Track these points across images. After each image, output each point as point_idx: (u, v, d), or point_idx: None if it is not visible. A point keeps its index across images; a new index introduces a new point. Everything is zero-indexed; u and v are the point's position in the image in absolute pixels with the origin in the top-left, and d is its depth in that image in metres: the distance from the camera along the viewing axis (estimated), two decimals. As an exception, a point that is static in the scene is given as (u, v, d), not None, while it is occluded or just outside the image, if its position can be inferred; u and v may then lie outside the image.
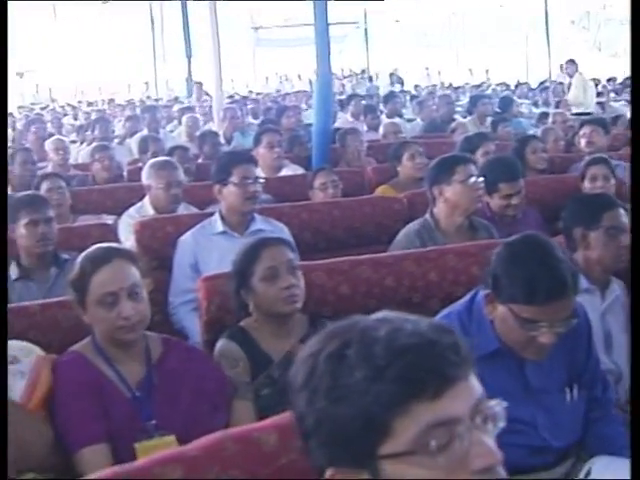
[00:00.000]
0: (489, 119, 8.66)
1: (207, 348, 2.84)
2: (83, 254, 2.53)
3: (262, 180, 4.07)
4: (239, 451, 1.45)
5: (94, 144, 7.09)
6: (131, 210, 4.73)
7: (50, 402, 2.42)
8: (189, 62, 19.80)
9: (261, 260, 2.73)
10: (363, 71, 24.94)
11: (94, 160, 6.15)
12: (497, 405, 1.22)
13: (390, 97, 11.04)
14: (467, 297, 2.52)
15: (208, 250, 3.87)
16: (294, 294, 2.71)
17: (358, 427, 1.15)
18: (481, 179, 3.88)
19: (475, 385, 1.21)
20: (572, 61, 12.63)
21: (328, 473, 1.19)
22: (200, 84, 18.50)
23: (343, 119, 9.58)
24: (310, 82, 21.83)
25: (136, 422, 2.42)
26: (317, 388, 1.18)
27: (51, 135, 8.33)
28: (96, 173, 6.07)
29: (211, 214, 4.08)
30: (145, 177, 4.65)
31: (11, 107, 17.76)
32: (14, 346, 2.49)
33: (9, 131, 12.82)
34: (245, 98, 16.06)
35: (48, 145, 6.85)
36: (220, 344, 2.74)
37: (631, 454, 1.13)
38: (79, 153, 8.39)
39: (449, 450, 1.14)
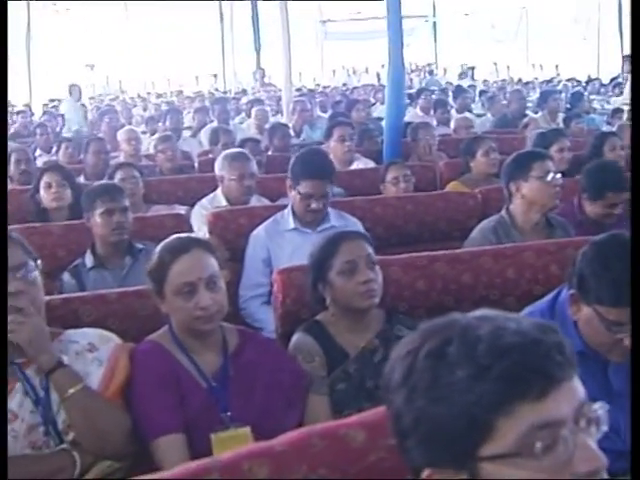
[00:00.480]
0: (560, 115, 8.51)
1: (282, 341, 2.83)
2: (162, 244, 2.53)
3: None
4: (326, 448, 1.42)
5: (158, 135, 7.13)
6: (204, 201, 4.74)
7: (127, 390, 2.43)
8: (258, 55, 19.87)
9: (339, 254, 2.70)
10: (430, 65, 24.76)
11: (158, 151, 6.19)
12: (600, 408, 1.18)
13: (460, 92, 10.92)
14: (550, 296, 2.46)
15: (280, 245, 3.86)
16: (372, 289, 2.67)
17: (459, 427, 1.11)
18: (559, 176, 3.80)
19: (578, 387, 1.17)
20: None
21: (425, 473, 1.16)
22: (263, 70, 18.55)
23: (412, 113, 9.51)
24: (378, 76, 21.76)
25: (212, 413, 2.42)
26: (416, 386, 1.15)
27: (122, 126, 8.42)
28: (160, 163, 6.11)
29: (284, 207, 4.06)
30: (218, 168, 4.66)
31: (83, 98, 18.06)
32: (91, 334, 2.51)
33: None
34: (312, 91, 16.04)
35: (120, 135, 6.92)
36: (296, 338, 2.72)
37: (631, 453, 1.10)
38: (150, 144, 8.47)
39: (553, 452, 1.10)
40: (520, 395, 1.10)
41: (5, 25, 3.71)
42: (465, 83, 17.56)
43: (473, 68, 22.89)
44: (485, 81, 20.28)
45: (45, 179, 4.51)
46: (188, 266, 2.42)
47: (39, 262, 2.46)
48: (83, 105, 13.73)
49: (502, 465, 1.11)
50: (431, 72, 23.05)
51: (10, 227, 3.79)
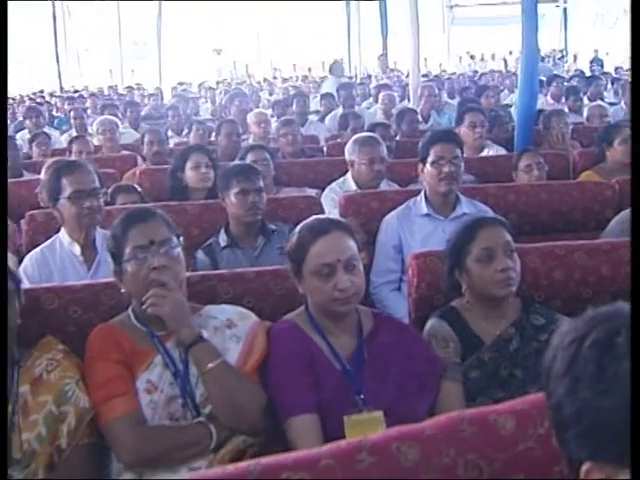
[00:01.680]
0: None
1: (414, 326, 2.81)
2: (301, 224, 2.54)
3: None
4: (476, 433, 1.40)
5: (280, 119, 7.19)
6: (334, 185, 4.76)
7: (263, 368, 2.46)
8: (384, 40, 19.74)
9: (477, 240, 2.66)
10: (559, 51, 24.12)
11: (279, 135, 6.24)
12: None
13: (592, 79, 10.59)
14: None
15: (411, 232, 3.85)
16: (510, 277, 2.62)
17: (624, 421, 1.07)
18: None
19: None
20: None
21: (585, 467, 1.12)
22: (385, 56, 18.42)
23: (542, 100, 9.27)
24: (505, 62, 21.34)
25: (346, 395, 2.42)
26: (580, 377, 1.11)
27: (251, 109, 8.52)
28: (281, 147, 6.16)
29: (416, 192, 4.04)
30: (348, 152, 4.66)
31: (211, 82, 18.42)
32: (230, 310, 2.55)
33: (208, 105, 13.30)
34: (438, 77, 15.87)
35: (250, 118, 7.00)
36: (431, 323, 2.69)
37: (631, 455, 1.03)
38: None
39: None
40: None
41: (5, 25, 3.79)
42: (593, 71, 17.01)
43: (594, 57, 22.19)
44: (617, 68, 19.62)
45: (193, 159, 4.61)
46: (327, 247, 2.43)
47: (181, 239, 2.52)
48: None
49: None
50: (542, 59, 22.41)
51: (148, 205, 3.91)
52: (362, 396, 2.43)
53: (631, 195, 2.80)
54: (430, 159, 3.87)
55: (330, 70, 12.55)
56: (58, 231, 3.56)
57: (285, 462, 1.37)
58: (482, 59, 24.82)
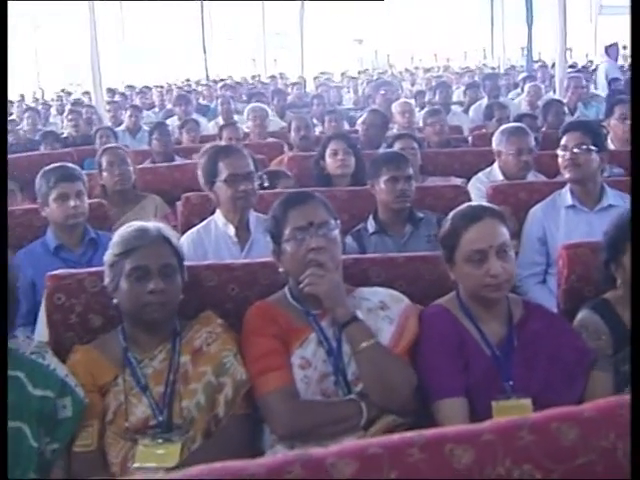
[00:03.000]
0: None
1: (564, 317, 2.79)
2: (454, 212, 2.58)
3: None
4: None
5: (427, 108, 7.18)
6: (480, 175, 4.76)
7: (414, 350, 2.52)
8: (529, 29, 19.32)
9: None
10: None
11: (426, 124, 6.24)
12: None
13: None
14: None
15: (556, 223, 3.82)
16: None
17: None
18: None
19: None
20: None
21: None
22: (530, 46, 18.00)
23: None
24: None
25: (495, 381, 2.45)
26: None
27: (397, 99, 8.56)
28: (428, 136, 6.16)
29: (562, 183, 3.99)
30: (496, 143, 4.65)
31: (352, 72, 18.55)
32: (383, 293, 2.61)
33: (350, 94, 13.41)
34: (586, 68, 15.44)
35: (395, 108, 7.05)
36: (582, 314, 2.67)
37: (631, 453, 0.97)
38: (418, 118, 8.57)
39: None
40: None
41: (5, 25, 3.87)
42: None
43: None
44: None
45: (331, 147, 4.70)
46: (480, 234, 2.46)
47: (338, 222, 2.60)
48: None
49: None
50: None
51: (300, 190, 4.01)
52: (511, 382, 2.45)
53: (631, 194, 2.71)
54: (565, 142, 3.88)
55: (606, 51, 12.13)
56: (212, 213, 3.70)
57: (448, 435, 1.41)
58: (624, 47, 23.93)
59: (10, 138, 8.21)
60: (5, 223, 3.35)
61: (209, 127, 8.66)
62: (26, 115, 9.56)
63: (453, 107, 9.07)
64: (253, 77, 19.23)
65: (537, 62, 17.36)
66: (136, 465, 2.36)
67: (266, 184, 3.80)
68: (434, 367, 2.46)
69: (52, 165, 3.87)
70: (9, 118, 9.74)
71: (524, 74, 12.29)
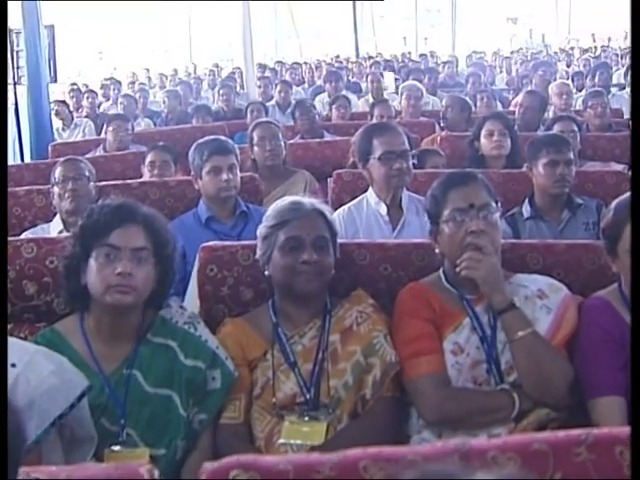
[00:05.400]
0: None
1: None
2: (617, 201, 2.43)
3: None
4: None
5: (588, 90, 6.92)
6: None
7: (572, 343, 2.41)
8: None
9: None
10: None
11: (587, 107, 5.98)
12: None
13: None
14: None
15: None
16: None
17: None
18: None
19: None
20: None
21: None
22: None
23: None
24: None
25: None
26: None
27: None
28: (588, 119, 5.90)
29: None
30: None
31: (504, 51, 18.13)
32: (541, 281, 2.52)
33: (503, 74, 13.10)
34: None
35: (552, 89, 6.84)
36: None
37: (631, 454, 0.82)
38: (576, 100, 8.27)
39: None
40: None
41: (5, 25, 3.78)
42: None
43: None
44: None
45: (487, 127, 4.58)
46: None
47: (500, 205, 2.51)
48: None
49: None
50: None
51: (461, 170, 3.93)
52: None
53: (631, 194, 2.44)
54: None
55: None
56: (364, 191, 3.67)
57: (618, 436, 1.34)
58: None
59: (166, 110, 8.46)
60: (5, 221, 3.27)
61: (359, 104, 8.63)
62: (178, 88, 9.81)
63: (612, 89, 8.72)
64: (403, 55, 19.08)
65: None
66: (282, 441, 2.37)
67: (414, 161, 3.74)
68: (593, 362, 2.35)
69: (206, 138, 3.92)
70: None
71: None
